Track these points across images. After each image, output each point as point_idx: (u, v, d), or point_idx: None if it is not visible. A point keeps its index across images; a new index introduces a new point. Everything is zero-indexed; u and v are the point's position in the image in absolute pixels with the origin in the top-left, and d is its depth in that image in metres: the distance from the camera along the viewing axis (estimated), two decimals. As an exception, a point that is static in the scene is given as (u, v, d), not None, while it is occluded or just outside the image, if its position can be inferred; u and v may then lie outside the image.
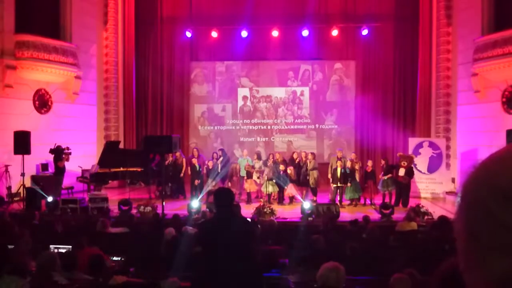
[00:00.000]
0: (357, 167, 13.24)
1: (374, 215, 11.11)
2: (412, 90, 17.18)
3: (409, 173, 13.15)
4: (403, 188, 13.07)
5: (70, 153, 13.16)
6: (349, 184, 12.99)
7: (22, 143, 12.55)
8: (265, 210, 10.95)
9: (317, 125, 18.12)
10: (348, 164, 13.18)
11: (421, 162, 14.55)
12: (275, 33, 17.15)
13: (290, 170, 13.27)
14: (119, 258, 6.14)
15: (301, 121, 18.18)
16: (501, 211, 0.65)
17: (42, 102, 15.01)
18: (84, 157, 14.64)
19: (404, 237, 8.09)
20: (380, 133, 17.48)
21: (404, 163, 13.15)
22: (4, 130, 13.43)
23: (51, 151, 13.08)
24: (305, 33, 17.09)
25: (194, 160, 13.90)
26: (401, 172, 13.07)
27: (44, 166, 14.43)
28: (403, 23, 17.18)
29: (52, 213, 11.15)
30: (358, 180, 13.18)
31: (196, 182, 13.73)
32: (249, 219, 8.38)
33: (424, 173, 14.53)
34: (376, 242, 7.32)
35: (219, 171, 13.81)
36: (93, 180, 13.69)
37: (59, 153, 13.04)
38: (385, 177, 13.07)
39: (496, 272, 0.66)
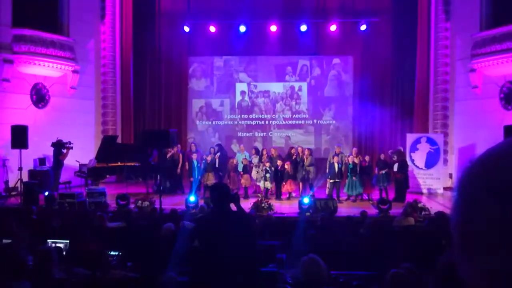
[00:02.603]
0: (356, 161, 13.24)
1: (372, 210, 11.14)
2: (410, 86, 17.17)
3: (402, 167, 13.14)
4: (399, 184, 13.09)
5: (71, 147, 13.13)
6: (354, 178, 13.01)
7: (19, 137, 12.54)
8: (262, 205, 10.96)
9: (315, 120, 18.12)
10: (350, 159, 13.18)
11: (418, 158, 14.57)
12: (273, 28, 17.10)
13: (287, 165, 13.28)
14: (116, 253, 6.13)
15: (299, 116, 18.18)
16: (497, 206, 0.66)
17: (39, 97, 14.99)
18: (81, 152, 14.61)
19: (401, 232, 8.11)
20: (378, 128, 17.49)
21: (394, 157, 13.19)
22: (1, 124, 13.42)
23: (53, 144, 13.06)
24: (303, 28, 17.05)
25: (194, 156, 13.90)
26: (395, 167, 13.12)
27: (42, 161, 14.43)
28: (401, 18, 17.14)
29: (49, 208, 11.14)
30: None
31: (192, 178, 13.74)
32: (247, 212, 8.39)
33: (421, 168, 14.55)
34: (373, 237, 7.34)
35: (216, 166, 13.80)
36: (90, 174, 13.70)
37: (61, 147, 13.02)
38: (381, 172, 13.08)
39: (491, 265, 0.66)
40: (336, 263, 5.48)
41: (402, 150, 14.02)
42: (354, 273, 5.28)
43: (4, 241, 6.27)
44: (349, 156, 13.43)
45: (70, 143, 13.10)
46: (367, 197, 13.39)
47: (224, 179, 13.63)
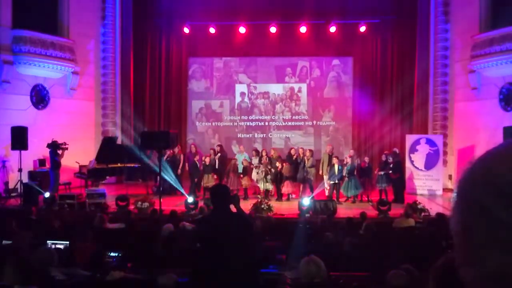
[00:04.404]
0: (355, 162, 13.24)
1: (371, 212, 11.13)
2: (409, 87, 17.15)
3: (396, 168, 13.14)
4: (395, 185, 13.10)
5: (66, 148, 13.11)
6: (347, 180, 13.01)
7: (19, 138, 12.53)
8: (262, 206, 10.96)
9: (314, 122, 18.13)
10: (348, 160, 13.19)
11: (418, 159, 14.57)
12: (273, 30, 17.11)
13: (284, 166, 13.27)
14: (116, 254, 6.14)
15: (298, 118, 18.19)
16: (496, 207, 0.66)
17: (39, 98, 14.99)
18: (81, 153, 14.62)
19: (401, 233, 8.11)
20: (378, 129, 17.48)
21: (390, 159, 13.22)
22: (1, 125, 13.41)
23: (48, 145, 13.06)
24: (303, 29, 17.08)
25: (197, 158, 13.94)
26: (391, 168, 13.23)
27: (42, 162, 14.42)
28: (401, 19, 17.14)
29: (49, 209, 11.14)
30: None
31: (195, 180, 13.77)
32: (246, 213, 8.38)
33: (421, 169, 14.55)
34: (373, 238, 7.34)
35: (216, 167, 13.79)
36: (90, 175, 13.69)
37: (56, 148, 13.00)
38: (381, 173, 13.09)
39: (491, 267, 0.67)
40: (336, 264, 5.48)
41: (397, 151, 14.01)
42: (354, 274, 5.29)
43: (4, 242, 6.27)
44: (345, 158, 13.47)
45: (65, 144, 13.05)
46: (366, 199, 13.39)
47: (224, 180, 13.62)
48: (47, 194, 11.82)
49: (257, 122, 18.28)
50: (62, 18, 15.63)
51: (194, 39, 17.91)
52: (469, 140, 14.73)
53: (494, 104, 14.25)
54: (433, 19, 16.19)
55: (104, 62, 17.13)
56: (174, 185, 13.62)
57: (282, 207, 12.11)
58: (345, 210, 11.61)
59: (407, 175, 14.28)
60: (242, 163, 13.83)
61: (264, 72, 18.32)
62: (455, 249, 0.73)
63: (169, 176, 13.51)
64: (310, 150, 13.96)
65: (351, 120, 17.97)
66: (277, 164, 13.31)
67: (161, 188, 12.10)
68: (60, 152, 12.99)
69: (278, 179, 13.37)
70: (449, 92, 16.02)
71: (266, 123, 18.26)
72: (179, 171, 14.30)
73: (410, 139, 14.96)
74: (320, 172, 13.59)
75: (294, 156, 13.71)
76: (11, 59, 13.98)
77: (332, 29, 17.05)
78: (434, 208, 10.95)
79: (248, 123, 18.31)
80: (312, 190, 13.38)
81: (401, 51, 17.35)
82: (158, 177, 13.40)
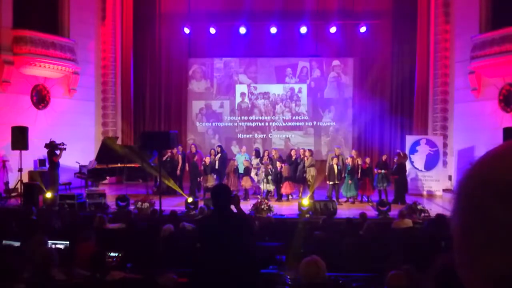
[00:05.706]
0: (356, 162, 13.23)
1: (371, 212, 11.13)
2: (409, 87, 17.19)
3: (398, 170, 13.15)
4: (396, 186, 13.10)
5: (64, 149, 13.07)
6: (350, 182, 13.00)
7: (19, 138, 12.54)
8: (262, 206, 10.96)
9: (314, 122, 18.13)
10: (349, 161, 13.18)
11: (418, 160, 14.57)
12: (273, 30, 17.11)
13: (284, 167, 13.28)
14: (116, 254, 6.14)
15: (298, 118, 18.19)
16: (496, 208, 0.66)
17: (40, 98, 14.99)
18: (81, 153, 14.61)
19: (400, 234, 8.11)
20: (378, 130, 17.50)
21: (394, 160, 13.27)
22: (1, 125, 13.41)
23: (46, 145, 13.03)
24: (303, 30, 17.06)
25: (197, 158, 13.95)
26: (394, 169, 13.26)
27: (42, 162, 14.42)
28: (401, 20, 17.16)
29: (49, 209, 11.13)
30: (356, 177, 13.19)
31: (199, 179, 13.77)
32: (247, 213, 8.38)
33: (421, 170, 14.56)
34: (372, 239, 7.34)
35: (216, 167, 13.79)
36: (90, 176, 13.69)
37: (54, 148, 12.97)
38: (379, 171, 13.08)
39: (491, 268, 0.67)
40: (336, 265, 5.48)
41: (402, 154, 14.01)
42: (353, 275, 5.29)
43: (4, 242, 6.27)
44: (347, 158, 13.45)
45: (63, 144, 13.01)
46: (366, 199, 13.40)
47: (224, 181, 13.61)
48: (47, 195, 11.80)
49: (257, 123, 18.28)
50: (62, 18, 15.63)
51: (194, 39, 17.91)
52: (469, 141, 14.72)
53: (494, 104, 14.24)
54: (433, 20, 16.18)
55: (105, 62, 17.15)
56: (172, 186, 13.62)
57: (282, 208, 12.11)
58: (345, 211, 11.61)
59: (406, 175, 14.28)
60: (244, 163, 13.83)
61: (264, 73, 18.33)
62: (455, 250, 0.74)
63: (166, 178, 13.49)
64: (310, 150, 13.98)
65: (351, 121, 17.97)
66: (277, 164, 13.32)
67: (161, 188, 12.11)
68: (58, 152, 12.96)
69: (278, 180, 13.37)
70: (449, 93, 16.02)
71: (266, 124, 18.27)
72: (178, 171, 14.29)
73: (410, 140, 14.97)
74: (326, 173, 13.57)
75: (294, 157, 13.71)
76: (11, 59, 13.98)
77: (333, 29, 17.03)
78: (434, 209, 10.95)
79: (248, 124, 18.31)
80: (311, 190, 13.38)
81: (401, 51, 17.35)
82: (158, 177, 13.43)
